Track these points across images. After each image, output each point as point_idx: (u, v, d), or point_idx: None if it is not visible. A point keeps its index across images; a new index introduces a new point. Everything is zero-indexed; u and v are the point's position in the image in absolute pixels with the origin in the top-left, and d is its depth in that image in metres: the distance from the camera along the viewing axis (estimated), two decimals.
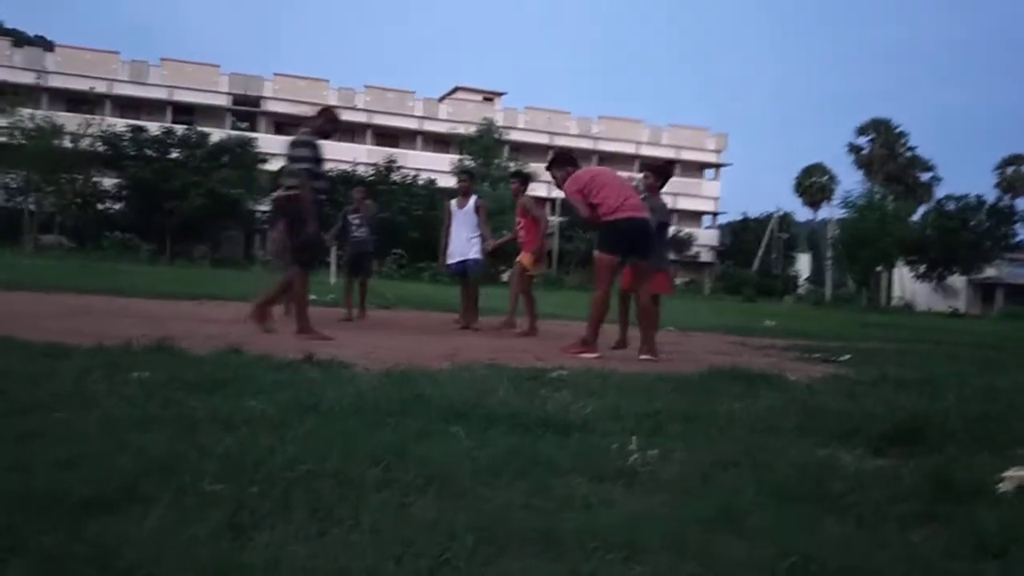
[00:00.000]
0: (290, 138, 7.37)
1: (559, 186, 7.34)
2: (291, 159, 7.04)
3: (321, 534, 1.92)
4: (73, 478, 2.13)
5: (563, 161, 7.49)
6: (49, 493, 2.00)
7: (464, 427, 3.07)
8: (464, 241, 9.42)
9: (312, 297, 9.67)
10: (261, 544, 1.81)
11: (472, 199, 9.54)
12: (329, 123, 7.33)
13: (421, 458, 2.53)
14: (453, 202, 9.73)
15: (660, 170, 8.27)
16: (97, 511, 1.95)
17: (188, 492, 2.12)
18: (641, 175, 8.33)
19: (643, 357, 6.79)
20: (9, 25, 66.38)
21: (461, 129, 52.69)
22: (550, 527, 2.01)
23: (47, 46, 55.26)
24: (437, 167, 50.31)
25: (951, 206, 50.07)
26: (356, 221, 10.47)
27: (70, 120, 43.55)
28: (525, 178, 9.70)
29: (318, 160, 7.01)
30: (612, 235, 6.90)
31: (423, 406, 3.42)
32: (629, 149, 60.68)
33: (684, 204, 62.60)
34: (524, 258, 9.10)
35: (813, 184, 62.74)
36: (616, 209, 6.84)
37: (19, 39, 59.18)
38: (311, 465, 2.40)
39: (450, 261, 9.53)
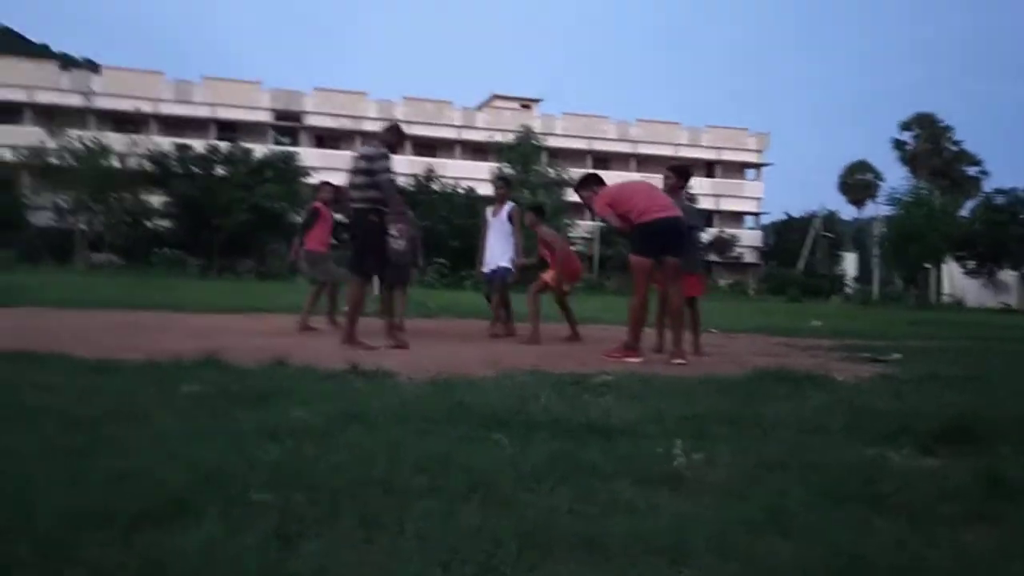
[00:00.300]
0: (363, 151, 7.46)
1: (588, 207, 7.53)
2: (368, 172, 7.15)
3: (368, 542, 1.94)
4: (124, 492, 2.17)
5: (589, 182, 7.74)
6: (101, 507, 2.04)
7: (507, 434, 3.08)
8: (498, 249, 9.44)
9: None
10: (308, 552, 1.84)
11: (506, 206, 9.55)
12: (397, 137, 7.64)
13: (465, 465, 2.55)
14: (489, 209, 9.74)
15: (681, 170, 8.21)
16: (148, 524, 1.99)
17: (236, 503, 2.16)
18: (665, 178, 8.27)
19: (675, 361, 6.66)
20: (57, 49, 68.02)
21: (499, 137, 52.85)
22: (595, 532, 2.01)
23: (94, 68, 56.57)
24: (476, 175, 50.49)
25: (1000, 200, 48.95)
26: (395, 233, 10.29)
27: (117, 140, 44.54)
28: (539, 209, 9.78)
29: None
30: (643, 237, 6.91)
31: (466, 414, 3.43)
32: (668, 151, 60.31)
33: (726, 205, 62.11)
34: (548, 275, 9.16)
35: (857, 181, 61.90)
36: (645, 211, 6.88)
37: (67, 62, 60.70)
38: (357, 474, 2.43)
39: (485, 269, 9.55)
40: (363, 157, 7.27)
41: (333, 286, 9.56)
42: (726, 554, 1.90)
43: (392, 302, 9.65)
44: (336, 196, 9.62)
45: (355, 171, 7.26)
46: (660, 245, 6.90)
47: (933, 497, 2.45)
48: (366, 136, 56.67)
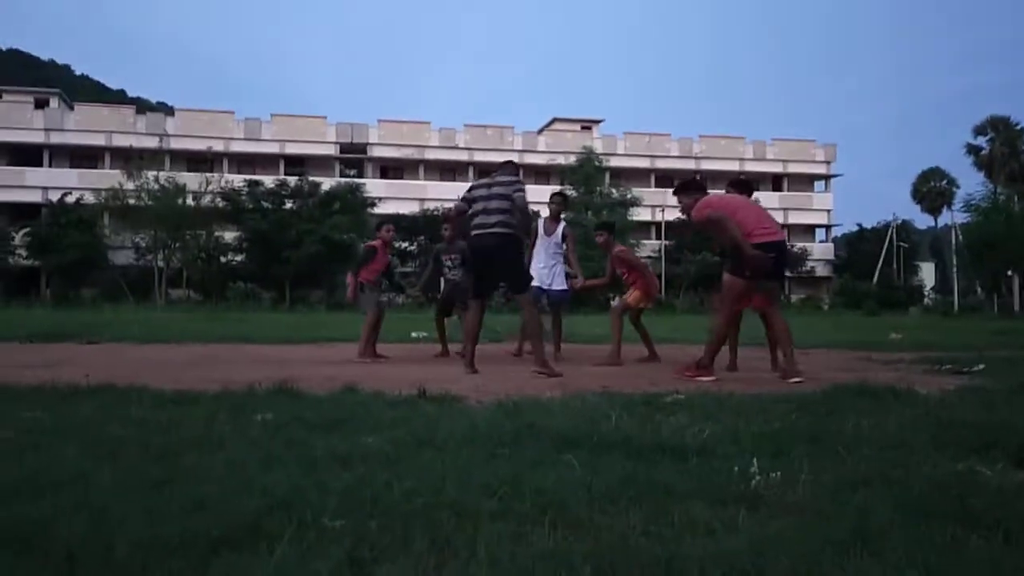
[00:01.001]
0: (501, 178, 7.47)
1: (686, 213, 7.13)
2: (507, 197, 7.25)
3: (440, 566, 1.92)
4: (201, 519, 2.19)
5: (694, 188, 7.29)
6: (179, 535, 2.07)
7: (578, 455, 3.03)
8: (546, 268, 9.18)
9: (423, 334, 9.83)
10: None
11: (561, 226, 9.35)
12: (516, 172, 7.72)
13: (536, 488, 2.51)
14: (541, 223, 9.49)
15: (743, 184, 7.99)
16: (224, 550, 2.01)
17: (309, 528, 2.16)
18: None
19: (792, 380, 6.36)
20: (132, 94, 70.67)
21: (561, 159, 52.97)
22: (671, 554, 1.95)
23: (168, 111, 58.59)
24: (539, 199, 50.60)
25: None
26: (449, 263, 9.79)
27: (191, 179, 45.96)
28: (610, 227, 9.54)
29: None
30: (748, 261, 6.55)
31: (536, 436, 3.40)
32: (733, 167, 59.70)
33: (795, 218, 61.09)
34: (632, 297, 8.94)
35: (931, 189, 60.36)
36: (755, 231, 6.60)
37: (141, 106, 63.01)
38: (428, 498, 2.41)
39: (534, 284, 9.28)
40: (500, 184, 7.36)
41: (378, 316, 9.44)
42: (812, 575, 1.83)
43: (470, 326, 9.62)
44: (448, 221, 9.54)
45: (490, 196, 7.32)
46: (768, 268, 6.69)
47: None
48: (429, 164, 57.50)
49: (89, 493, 2.48)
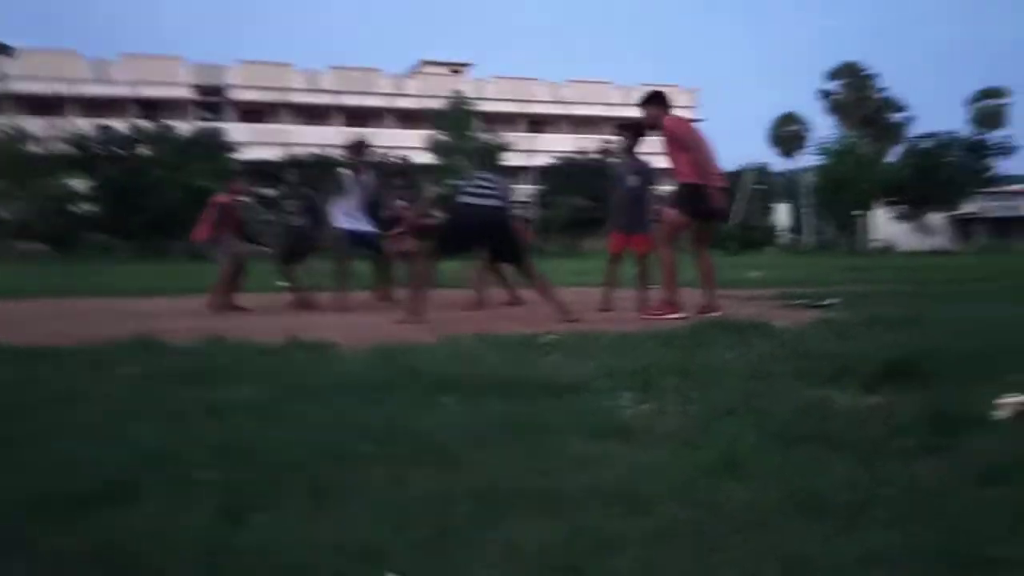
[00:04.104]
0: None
1: (652, 126, 7.12)
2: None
3: (318, 512, 1.88)
4: (67, 476, 2.10)
5: (658, 99, 7.22)
6: (44, 493, 1.97)
7: (455, 397, 3.04)
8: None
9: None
10: (258, 526, 1.78)
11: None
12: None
13: (413, 430, 2.50)
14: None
15: (635, 128, 8.13)
16: (92, 507, 1.92)
17: (180, 482, 2.09)
18: (617, 137, 8.19)
19: (715, 315, 6.47)
20: None
21: (430, 103, 52.32)
22: (550, 486, 1.99)
23: (7, 51, 54.33)
24: (409, 143, 49.92)
25: (926, 144, 50.17)
26: (293, 209, 9.73)
27: (36, 124, 42.96)
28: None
29: None
30: (702, 198, 6.64)
31: (412, 380, 3.38)
32: (602, 111, 60.41)
33: (660, 162, 62.54)
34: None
35: (786, 133, 62.82)
36: (710, 173, 6.67)
37: None
38: (303, 446, 2.37)
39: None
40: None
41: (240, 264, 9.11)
42: (684, 500, 1.89)
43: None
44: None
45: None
46: (711, 211, 6.80)
47: (882, 434, 2.48)
48: (293, 108, 55.68)
49: None
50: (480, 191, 7.07)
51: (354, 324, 6.61)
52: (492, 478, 2.05)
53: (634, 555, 1.59)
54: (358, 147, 9.38)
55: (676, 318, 6.37)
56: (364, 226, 8.78)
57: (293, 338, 4.80)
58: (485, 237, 7.20)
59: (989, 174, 51.80)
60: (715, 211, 6.89)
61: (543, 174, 53.61)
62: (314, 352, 4.48)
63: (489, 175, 7.55)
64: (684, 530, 1.73)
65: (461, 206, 7.21)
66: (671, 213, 6.91)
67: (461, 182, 7.44)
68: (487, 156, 45.37)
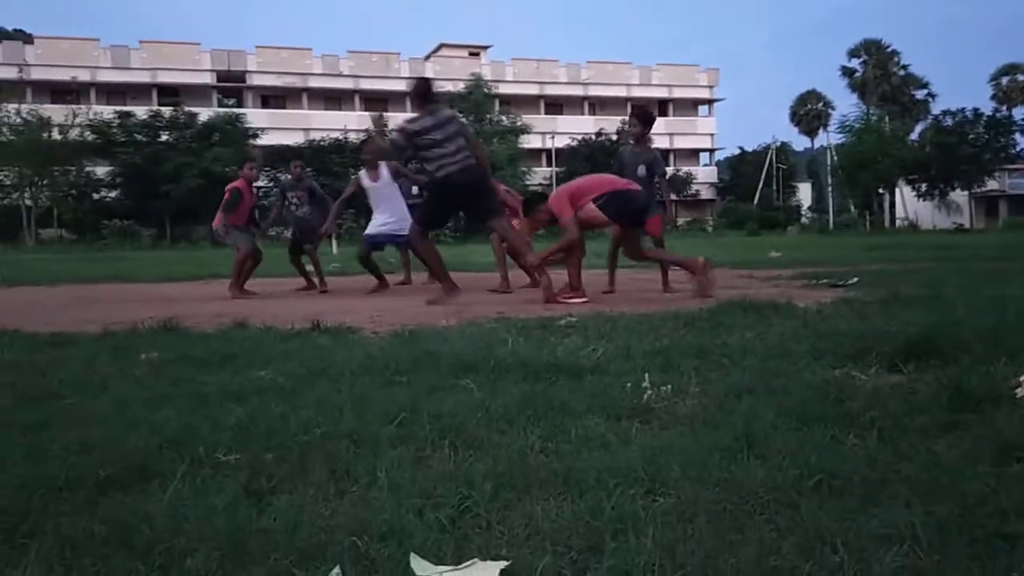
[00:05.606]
0: (443, 115, 7.13)
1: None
2: (457, 134, 7.03)
3: (340, 493, 1.91)
4: (87, 461, 2.12)
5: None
6: (65, 477, 1.99)
7: (475, 379, 3.05)
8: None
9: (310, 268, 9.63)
10: (280, 508, 1.80)
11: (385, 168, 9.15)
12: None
13: (434, 413, 2.51)
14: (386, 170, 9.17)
15: (645, 116, 8.17)
16: (113, 491, 1.95)
17: (203, 464, 2.12)
18: (628, 125, 8.36)
19: (706, 295, 6.56)
20: None
21: (449, 87, 52.19)
22: (569, 468, 2.00)
23: (26, 39, 54.66)
24: None
25: (948, 121, 49.52)
26: (296, 200, 9.66)
27: (56, 112, 43.21)
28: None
29: None
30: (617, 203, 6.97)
31: (433, 363, 3.40)
32: (620, 92, 60.09)
33: (680, 143, 62.17)
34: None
35: (808, 112, 62.27)
36: (614, 184, 7.07)
37: None
38: (325, 428, 2.39)
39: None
40: (447, 120, 7.01)
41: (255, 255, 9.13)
42: (702, 480, 1.90)
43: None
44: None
45: (456, 134, 6.96)
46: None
47: (901, 412, 2.47)
48: (313, 93, 55.69)
49: None
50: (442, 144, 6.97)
51: (376, 308, 6.64)
52: (511, 460, 2.07)
53: (653, 534, 1.60)
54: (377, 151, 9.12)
55: (581, 302, 6.55)
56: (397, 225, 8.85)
57: (315, 322, 4.84)
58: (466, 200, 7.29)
59: (1012, 151, 51.06)
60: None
61: (561, 155, 53.45)
62: (336, 336, 4.52)
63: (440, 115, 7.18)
64: (703, 509, 1.74)
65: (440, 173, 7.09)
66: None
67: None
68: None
